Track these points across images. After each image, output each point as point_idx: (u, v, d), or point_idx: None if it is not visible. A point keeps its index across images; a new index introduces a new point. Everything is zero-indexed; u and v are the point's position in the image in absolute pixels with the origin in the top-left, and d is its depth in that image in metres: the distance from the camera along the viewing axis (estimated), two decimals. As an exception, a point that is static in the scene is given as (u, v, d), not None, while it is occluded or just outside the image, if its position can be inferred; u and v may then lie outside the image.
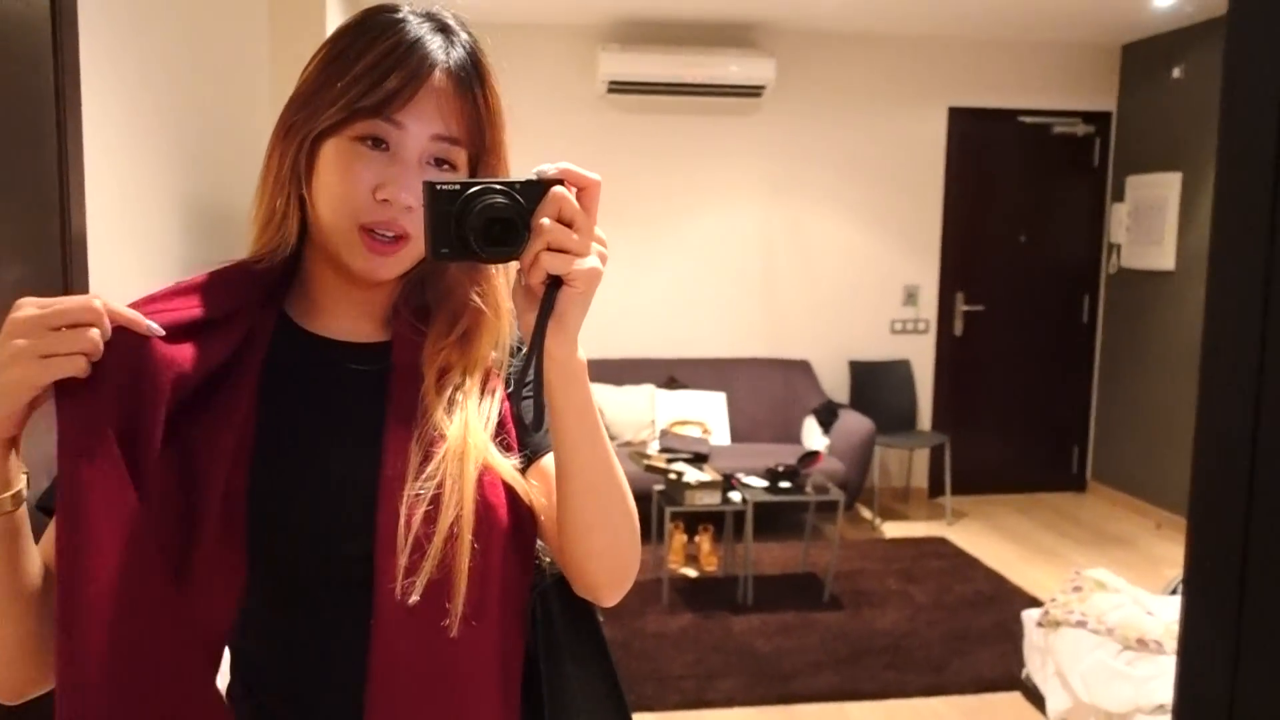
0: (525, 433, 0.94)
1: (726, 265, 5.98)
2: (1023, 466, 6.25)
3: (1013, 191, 6.13)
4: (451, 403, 0.91)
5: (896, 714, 3.40)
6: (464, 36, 0.92)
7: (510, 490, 0.91)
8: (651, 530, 4.56)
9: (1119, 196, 6.03)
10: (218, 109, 2.64)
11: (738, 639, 3.96)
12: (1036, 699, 2.97)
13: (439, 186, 0.78)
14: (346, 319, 0.97)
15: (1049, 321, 6.23)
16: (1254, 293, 0.42)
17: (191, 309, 0.88)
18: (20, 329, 0.76)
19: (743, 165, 5.92)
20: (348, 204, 0.88)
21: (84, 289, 1.74)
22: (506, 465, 0.92)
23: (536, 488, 0.94)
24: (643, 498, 4.51)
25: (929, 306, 6.13)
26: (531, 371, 0.81)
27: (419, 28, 0.89)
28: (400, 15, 0.90)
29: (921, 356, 6.13)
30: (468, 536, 0.86)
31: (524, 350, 0.81)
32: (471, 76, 0.91)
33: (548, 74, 5.68)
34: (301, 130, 0.89)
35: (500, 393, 0.95)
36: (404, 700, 0.88)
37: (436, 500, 0.86)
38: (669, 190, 5.88)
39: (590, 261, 0.78)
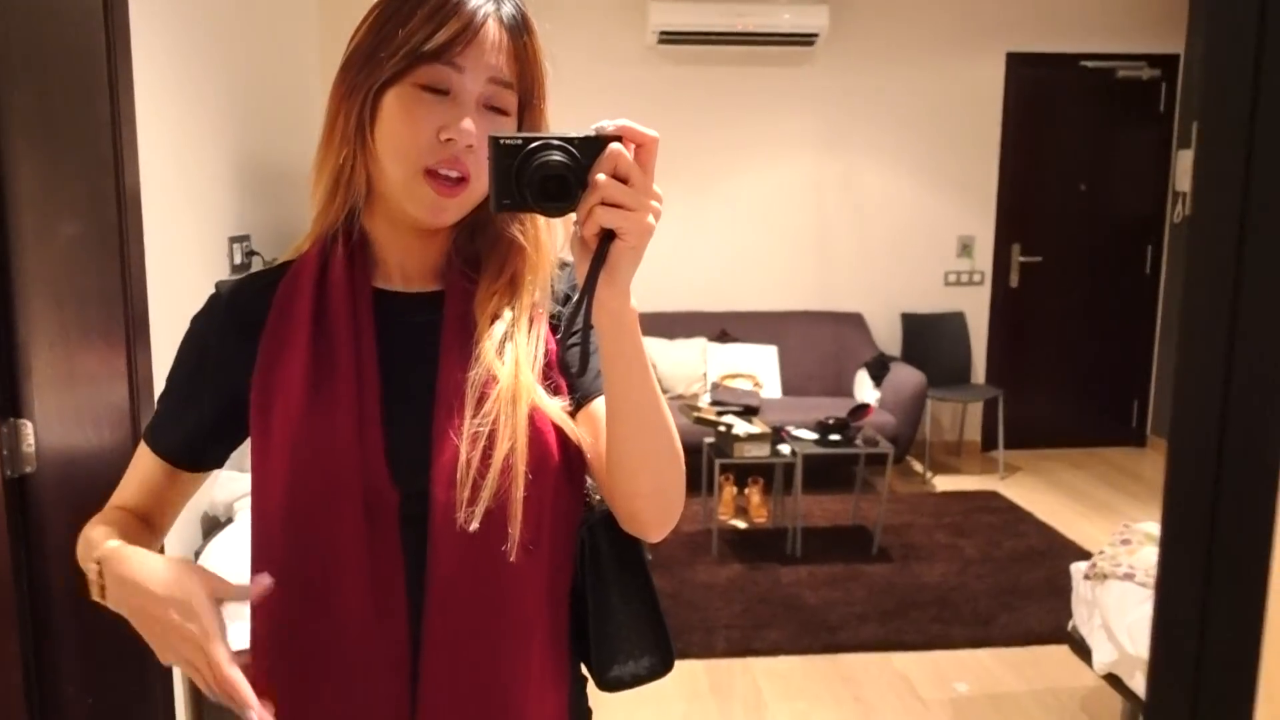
0: (575, 377, 0.97)
1: (778, 217, 5.93)
2: (1080, 421, 6.17)
3: (1073, 139, 5.97)
4: (502, 347, 0.96)
5: (942, 665, 3.41)
6: None
7: (559, 429, 0.97)
8: (701, 482, 4.60)
9: (1186, 143, 5.85)
10: (266, 69, 2.68)
11: (785, 590, 3.99)
12: (1083, 651, 2.95)
13: (502, 140, 0.81)
14: (404, 272, 1.02)
15: (1110, 273, 6.10)
16: (1229, 250, 0.43)
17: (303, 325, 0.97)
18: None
19: (795, 116, 5.85)
20: (413, 147, 0.93)
21: (140, 246, 1.80)
22: (553, 406, 0.97)
23: (585, 429, 0.98)
24: (693, 450, 4.55)
25: (984, 258, 6.03)
26: (580, 319, 0.84)
27: None
28: None
29: (976, 309, 6.05)
30: (521, 468, 0.92)
31: (575, 298, 0.84)
32: (520, 25, 0.96)
33: (598, 25, 5.65)
34: (363, 86, 0.94)
35: (544, 333, 0.99)
36: (460, 626, 0.95)
37: (491, 437, 0.92)
38: (720, 142, 5.83)
39: (643, 217, 0.80)
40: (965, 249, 6.01)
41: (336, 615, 0.95)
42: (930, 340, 5.89)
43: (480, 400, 0.94)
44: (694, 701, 3.18)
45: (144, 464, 1.06)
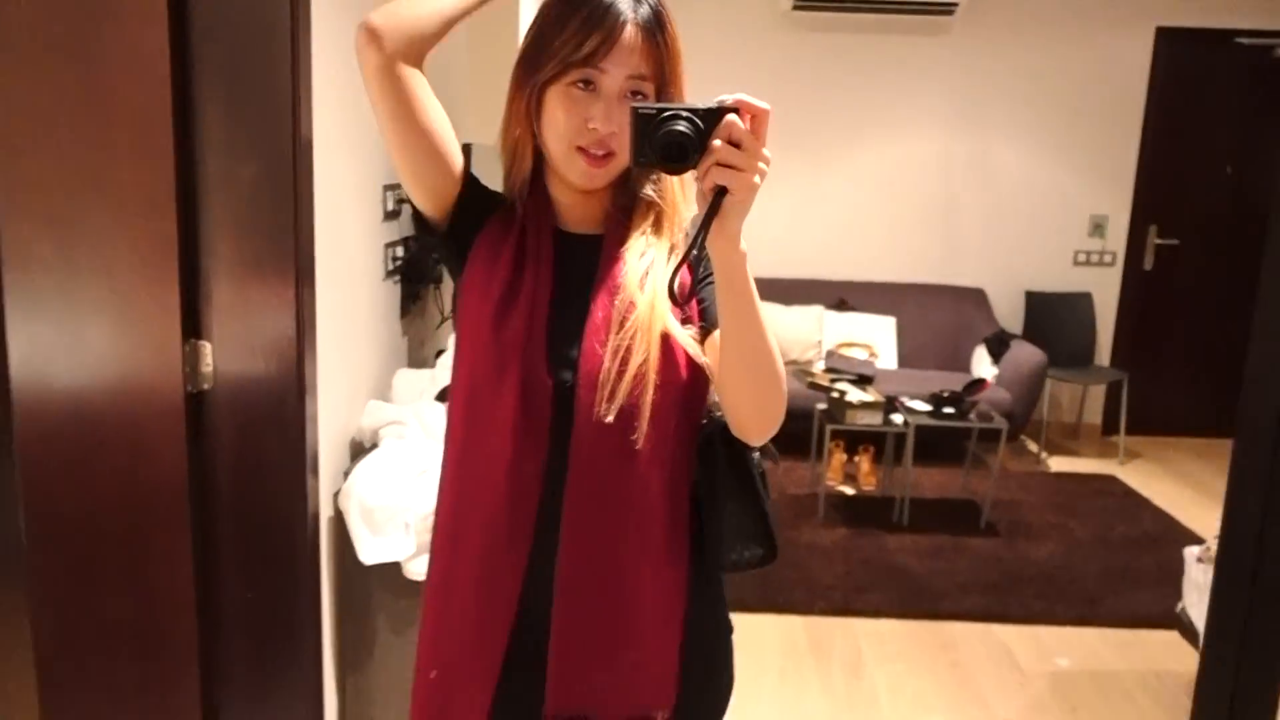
0: (676, 304, 1.16)
1: (904, 189, 5.89)
2: (1208, 409, 5.96)
3: (1221, 120, 5.74)
4: (643, 280, 1.19)
5: (1045, 640, 3.43)
6: None
7: (687, 351, 1.18)
8: (811, 447, 4.67)
9: (1344, 127, 5.56)
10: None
11: (890, 556, 4.05)
12: (1192, 635, 2.93)
13: (640, 110, 1.01)
14: (576, 218, 1.27)
15: (1251, 259, 5.81)
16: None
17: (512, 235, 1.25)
18: None
19: (928, 86, 5.78)
20: (567, 132, 1.17)
21: (309, 188, 1.97)
22: (681, 331, 1.18)
23: (710, 355, 1.19)
24: (805, 415, 4.63)
25: (1117, 238, 5.88)
26: (693, 257, 1.06)
27: None
28: None
29: (1105, 290, 5.91)
30: (652, 376, 1.15)
31: (689, 241, 1.05)
32: (654, 27, 1.17)
33: (733, -10, 5.68)
34: (529, 83, 1.19)
35: (674, 267, 1.16)
36: (592, 502, 1.18)
37: (629, 351, 1.15)
38: (850, 111, 5.81)
39: (750, 177, 0.98)
40: (1097, 228, 5.87)
41: (491, 468, 1.20)
42: (1054, 320, 5.78)
43: (622, 322, 1.16)
44: (792, 656, 3.28)
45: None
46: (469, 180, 1.27)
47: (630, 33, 1.15)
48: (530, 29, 1.20)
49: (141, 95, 1.81)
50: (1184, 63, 5.70)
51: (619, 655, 1.21)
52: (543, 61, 1.17)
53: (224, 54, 1.88)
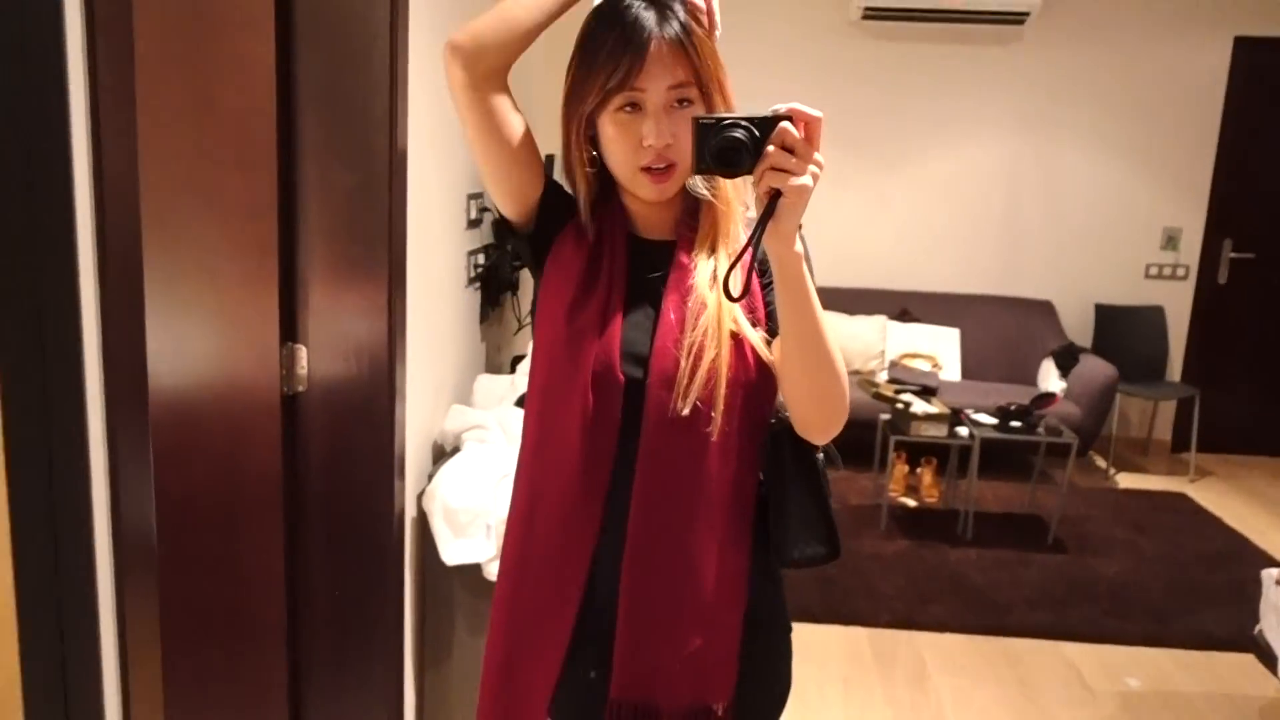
0: (734, 299, 1.19)
1: (970, 199, 5.85)
2: (1283, 429, 5.84)
3: (1301, 131, 5.61)
4: (713, 281, 1.24)
5: (1113, 660, 3.39)
6: (675, 8, 1.21)
7: (755, 349, 1.23)
8: (874, 458, 4.66)
9: None
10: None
11: (953, 568, 4.02)
12: (1269, 659, 2.89)
13: (700, 120, 1.08)
14: (648, 226, 1.32)
15: (1331, 275, 5.72)
16: None
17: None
18: None
19: (997, 96, 5.73)
20: (626, 155, 1.22)
21: (403, 198, 2.03)
22: (750, 329, 1.24)
23: (778, 355, 1.22)
24: (868, 425, 4.59)
25: (1190, 252, 5.77)
26: (749, 255, 1.09)
27: (635, 10, 1.19)
28: (623, 4, 1.20)
29: (1177, 304, 5.80)
30: (724, 371, 1.20)
31: (746, 241, 1.09)
32: (681, 36, 1.19)
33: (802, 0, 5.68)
34: (575, 116, 1.24)
35: (731, 264, 1.19)
36: (662, 489, 1.23)
37: (700, 349, 1.21)
38: (916, 120, 5.78)
39: (802, 180, 1.04)
40: (1170, 241, 5.77)
41: (564, 459, 1.26)
42: (1124, 334, 5.70)
43: (695, 321, 1.22)
44: (855, 665, 3.28)
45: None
46: (550, 186, 1.32)
47: (657, 45, 1.18)
48: (568, 69, 1.25)
49: (246, 105, 1.88)
50: (1262, 73, 5.58)
51: (683, 640, 1.25)
52: (585, 94, 1.22)
53: (325, 66, 1.94)
